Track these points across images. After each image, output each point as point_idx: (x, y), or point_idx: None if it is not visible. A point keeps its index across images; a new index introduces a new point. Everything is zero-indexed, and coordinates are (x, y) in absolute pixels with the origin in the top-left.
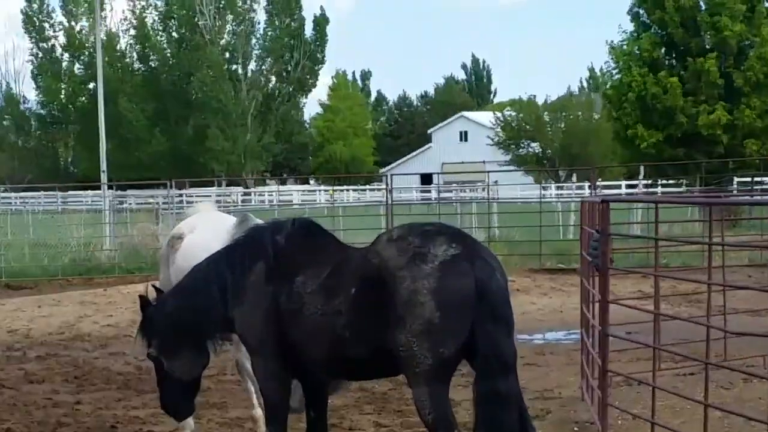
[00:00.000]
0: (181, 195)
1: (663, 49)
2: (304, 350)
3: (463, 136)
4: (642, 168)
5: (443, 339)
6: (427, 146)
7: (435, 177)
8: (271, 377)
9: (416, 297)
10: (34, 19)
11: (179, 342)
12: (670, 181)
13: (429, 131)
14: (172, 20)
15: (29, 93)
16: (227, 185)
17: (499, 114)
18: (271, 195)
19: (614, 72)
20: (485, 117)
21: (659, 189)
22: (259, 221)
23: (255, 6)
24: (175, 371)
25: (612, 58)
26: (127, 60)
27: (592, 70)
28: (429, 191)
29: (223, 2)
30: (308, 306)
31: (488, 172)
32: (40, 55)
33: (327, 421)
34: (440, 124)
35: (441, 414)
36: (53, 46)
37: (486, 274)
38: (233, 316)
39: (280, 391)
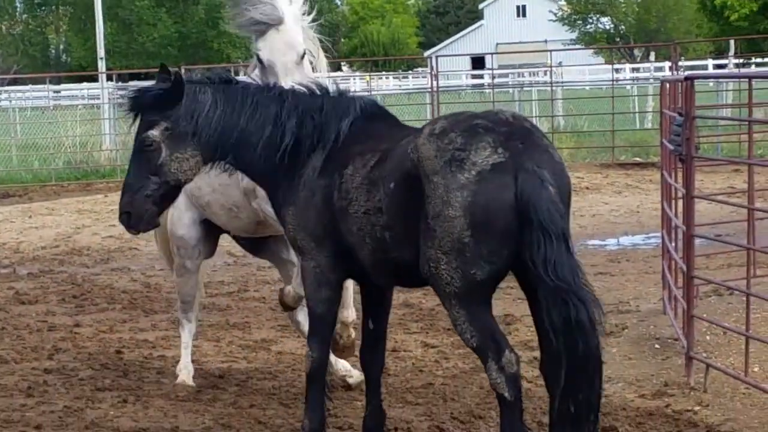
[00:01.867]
0: None
1: None
2: (355, 252)
3: (521, 11)
4: (732, 43)
5: (474, 261)
6: (478, 24)
7: (488, 59)
8: (323, 285)
9: (447, 210)
10: None
11: None
12: (766, 59)
13: (480, 6)
14: None
15: None
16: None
17: None
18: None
19: None
20: None
21: (753, 68)
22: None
23: None
24: None
25: None
26: None
27: None
28: (481, 76)
29: None
30: (354, 203)
31: (550, 51)
32: None
33: (387, 336)
34: None
35: (486, 336)
36: None
37: (531, 187)
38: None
39: (329, 301)
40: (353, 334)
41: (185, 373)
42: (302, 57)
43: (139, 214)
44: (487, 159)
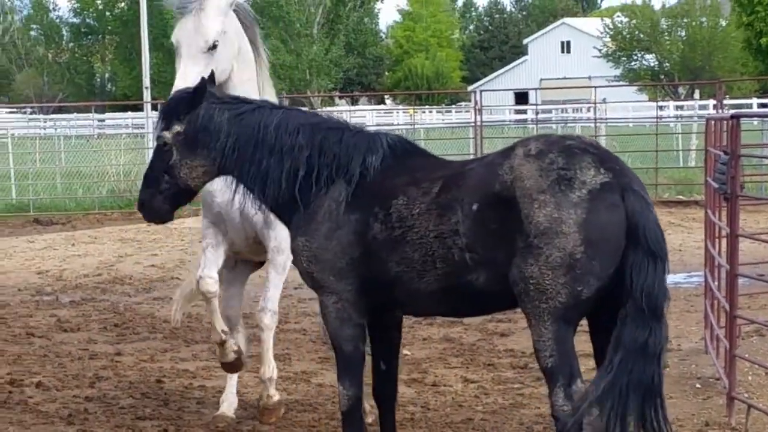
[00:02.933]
0: None
1: None
2: (410, 281)
3: (565, 48)
4: None
5: (584, 277)
6: (522, 59)
7: (532, 95)
8: (346, 321)
9: (559, 226)
10: None
11: None
12: None
13: (525, 42)
14: None
15: None
16: (290, 105)
17: (607, 21)
18: (341, 116)
19: None
20: (591, 25)
21: None
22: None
23: None
24: None
25: None
26: None
27: None
28: (525, 111)
29: None
30: (416, 229)
31: (594, 87)
32: None
33: (398, 375)
34: (538, 34)
35: (564, 359)
36: None
37: (640, 207)
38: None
39: (355, 338)
40: (275, 395)
41: (226, 405)
42: (212, 47)
43: (152, 208)
44: (595, 178)
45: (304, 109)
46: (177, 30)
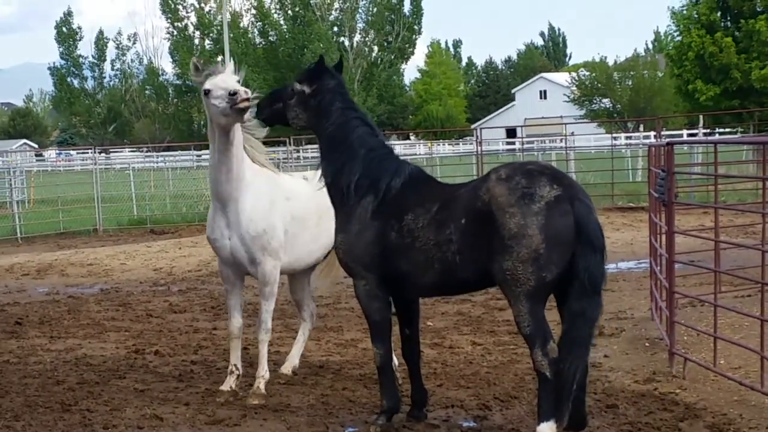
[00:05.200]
0: (298, 151)
1: (719, 13)
2: (416, 277)
3: (543, 95)
4: (701, 118)
5: (546, 265)
6: (511, 104)
7: (518, 130)
8: (374, 298)
9: (525, 230)
10: (170, 2)
11: None
12: (727, 129)
13: (513, 91)
14: (287, 0)
15: (167, 66)
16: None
17: (574, 74)
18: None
19: (676, 34)
20: (562, 77)
21: (717, 136)
22: None
23: None
24: None
25: (674, 22)
26: (249, 36)
27: (657, 33)
28: (513, 143)
29: None
30: (421, 239)
31: (565, 124)
32: (175, 33)
33: (419, 338)
34: (522, 85)
35: (538, 328)
36: (186, 25)
37: (584, 212)
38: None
39: (382, 310)
40: (263, 390)
41: (286, 365)
42: (232, 94)
43: (263, 116)
44: (550, 192)
45: (378, 131)
46: (210, 82)
